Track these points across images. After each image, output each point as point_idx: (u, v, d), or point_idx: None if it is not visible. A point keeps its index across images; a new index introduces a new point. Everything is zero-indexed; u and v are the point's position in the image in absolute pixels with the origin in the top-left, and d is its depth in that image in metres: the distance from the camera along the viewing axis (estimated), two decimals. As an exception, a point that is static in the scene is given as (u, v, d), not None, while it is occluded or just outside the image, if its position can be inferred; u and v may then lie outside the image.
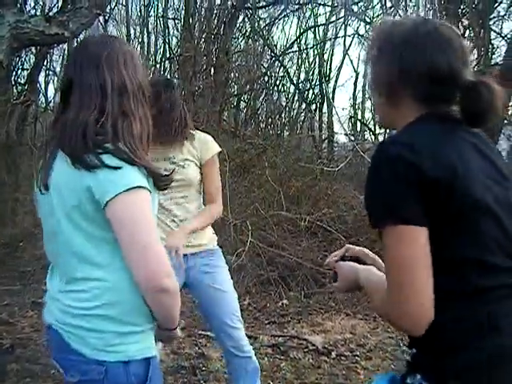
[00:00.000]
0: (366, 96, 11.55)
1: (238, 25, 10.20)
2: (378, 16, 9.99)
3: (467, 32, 8.43)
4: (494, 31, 8.81)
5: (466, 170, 1.45)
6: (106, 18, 10.60)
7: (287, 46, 11.38)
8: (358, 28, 10.94)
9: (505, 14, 9.30)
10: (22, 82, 9.84)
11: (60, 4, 5.90)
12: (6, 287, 5.58)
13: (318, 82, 11.35)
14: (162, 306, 1.79)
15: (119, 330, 1.80)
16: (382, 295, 1.53)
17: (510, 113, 7.75)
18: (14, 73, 9.64)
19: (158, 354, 2.05)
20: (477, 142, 1.56)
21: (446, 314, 1.45)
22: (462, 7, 8.72)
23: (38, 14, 8.13)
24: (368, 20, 9.98)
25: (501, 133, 7.57)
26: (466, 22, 8.79)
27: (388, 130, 10.76)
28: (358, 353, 4.86)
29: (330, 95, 11.11)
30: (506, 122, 8.23)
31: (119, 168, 1.68)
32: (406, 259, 1.41)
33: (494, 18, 9.01)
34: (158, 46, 10.58)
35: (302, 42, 11.46)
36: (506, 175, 1.56)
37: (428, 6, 9.75)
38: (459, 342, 1.46)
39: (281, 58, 10.83)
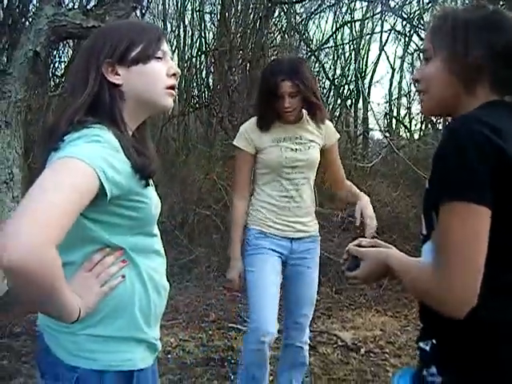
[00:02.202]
0: (402, 93, 11.48)
1: (274, 20, 10.16)
2: (415, 12, 9.90)
3: None
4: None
5: None
6: (143, 11, 10.65)
7: (323, 41, 11.34)
8: (394, 24, 10.83)
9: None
10: (60, 74, 9.95)
11: (98, -3, 5.95)
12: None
13: (353, 78, 11.30)
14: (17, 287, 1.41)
15: (96, 334, 1.65)
16: (418, 273, 1.51)
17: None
18: (52, 65, 9.75)
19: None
20: None
21: (492, 305, 1.44)
22: (501, 3, 8.61)
23: (75, 7, 8.21)
24: (405, 16, 9.88)
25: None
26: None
27: (424, 128, 10.70)
28: (387, 350, 4.84)
29: (366, 91, 11.05)
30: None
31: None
32: (467, 238, 1.39)
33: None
34: (194, 40, 10.61)
35: (338, 37, 11.41)
36: None
37: (466, 1, 9.63)
38: (499, 341, 1.44)
39: (316, 53, 10.79)
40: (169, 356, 4.46)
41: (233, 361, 4.53)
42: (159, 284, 1.77)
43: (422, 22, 9.20)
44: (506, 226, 1.42)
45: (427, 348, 1.53)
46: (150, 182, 1.72)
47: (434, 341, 1.52)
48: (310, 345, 4.77)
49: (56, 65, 10.07)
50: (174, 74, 1.78)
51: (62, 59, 10.19)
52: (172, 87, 1.77)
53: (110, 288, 1.64)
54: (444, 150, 1.44)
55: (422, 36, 8.08)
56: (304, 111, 3.38)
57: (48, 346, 1.69)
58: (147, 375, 1.75)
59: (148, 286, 1.72)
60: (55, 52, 9.53)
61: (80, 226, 1.51)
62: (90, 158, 1.46)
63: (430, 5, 9.30)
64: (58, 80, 9.79)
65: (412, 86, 11.18)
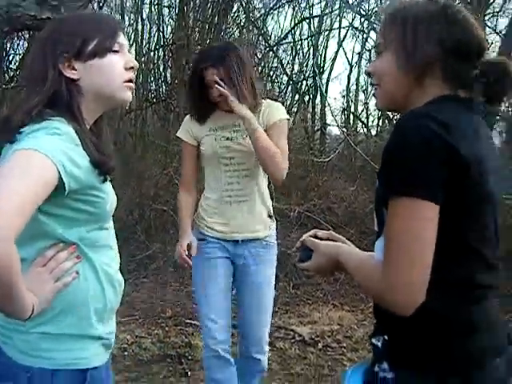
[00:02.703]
0: (360, 89, 11.54)
1: (232, 14, 10.14)
2: (373, 9, 9.96)
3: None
4: (489, 27, 8.81)
5: (486, 158, 1.44)
6: (101, 4, 10.51)
7: (281, 36, 11.33)
8: (352, 20, 10.88)
9: (500, 10, 9.31)
10: (14, 67, 9.78)
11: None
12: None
13: (311, 74, 11.31)
14: None
15: (49, 332, 1.62)
16: (369, 270, 1.51)
17: (502, 108, 7.76)
18: (6, 58, 9.57)
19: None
20: (487, 131, 1.55)
21: (442, 301, 1.44)
22: (457, 2, 8.71)
23: (30, -2, 8.06)
24: (363, 13, 9.95)
25: (493, 129, 7.57)
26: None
27: (381, 124, 10.80)
28: (344, 344, 4.88)
29: (324, 87, 11.08)
30: (498, 117, 8.24)
31: None
32: (413, 233, 1.38)
33: (489, 13, 9.01)
34: (152, 34, 10.51)
35: (297, 33, 11.41)
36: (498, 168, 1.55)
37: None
38: (451, 334, 1.45)
39: (275, 49, 10.78)
40: (125, 353, 4.41)
41: (190, 357, 4.51)
42: (114, 278, 1.75)
43: (379, 18, 9.26)
44: (457, 221, 1.42)
45: (379, 344, 1.54)
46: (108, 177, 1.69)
47: (385, 337, 1.52)
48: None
49: (10, 57, 9.89)
50: (132, 67, 1.75)
51: (17, 51, 10.01)
52: (130, 80, 1.75)
53: (64, 284, 1.61)
54: (391, 145, 1.44)
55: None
56: None
57: (0, 345, 1.65)
58: (101, 373, 1.73)
59: (102, 280, 1.69)
60: (9, 44, 9.36)
61: (34, 220, 1.46)
62: (50, 151, 1.44)
63: (387, 2, 9.37)
64: (12, 73, 9.62)
65: (369, 82, 11.27)
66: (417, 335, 1.47)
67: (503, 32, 8.53)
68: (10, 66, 9.81)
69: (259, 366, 3.36)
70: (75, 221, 1.62)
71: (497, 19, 9.42)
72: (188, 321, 5.25)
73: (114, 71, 1.71)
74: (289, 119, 3.33)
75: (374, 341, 1.56)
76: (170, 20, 10.48)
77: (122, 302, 1.82)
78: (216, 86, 3.06)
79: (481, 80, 1.53)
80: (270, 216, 3.27)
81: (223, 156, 3.18)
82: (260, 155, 3.03)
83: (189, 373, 4.26)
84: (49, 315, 1.60)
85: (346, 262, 1.63)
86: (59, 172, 1.45)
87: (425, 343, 1.46)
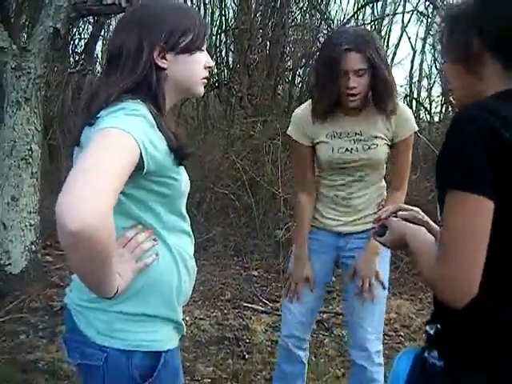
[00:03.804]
0: (423, 75, 11.37)
1: (295, -2, 10.10)
2: (439, -8, 9.76)
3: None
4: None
5: None
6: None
7: (344, 21, 11.21)
8: (417, 5, 10.71)
9: None
10: (79, 51, 9.96)
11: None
12: (59, 252, 5.69)
13: (374, 59, 11.18)
14: (72, 259, 1.42)
15: (127, 312, 1.66)
16: (428, 257, 1.50)
17: None
18: (72, 42, 9.75)
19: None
20: None
21: (498, 298, 1.43)
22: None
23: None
24: (428, -4, 9.76)
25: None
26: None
27: (445, 111, 10.61)
28: (401, 333, 4.85)
29: (387, 72, 10.93)
30: None
31: None
32: (466, 229, 1.38)
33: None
34: (215, 18, 10.54)
35: (360, 17, 11.29)
36: None
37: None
38: (503, 333, 1.44)
39: (338, 33, 10.68)
40: (183, 334, 4.47)
41: (248, 340, 4.56)
42: (189, 263, 1.80)
43: (444, 2, 9.08)
44: (508, 219, 1.40)
45: (432, 332, 1.54)
46: None
47: (438, 325, 1.53)
48: (324, 326, 4.80)
49: (76, 42, 10.07)
50: (210, 67, 1.85)
51: (82, 36, 10.19)
52: (206, 78, 1.85)
53: (144, 264, 1.66)
54: (447, 138, 1.43)
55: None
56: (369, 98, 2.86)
57: (76, 323, 1.70)
58: (174, 356, 1.78)
59: (179, 264, 1.74)
60: (75, 29, 9.53)
61: None
62: (133, 130, 1.49)
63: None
64: (77, 57, 9.80)
65: (433, 68, 11.09)
66: (468, 329, 1.47)
67: None
68: (76, 49, 9.99)
69: (368, 378, 3.06)
70: (151, 202, 1.67)
71: None
72: (246, 304, 5.29)
73: (198, 68, 1.81)
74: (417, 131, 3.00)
75: (427, 328, 1.57)
76: (232, 4, 10.50)
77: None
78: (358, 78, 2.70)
79: None
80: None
81: (339, 166, 2.91)
82: None
83: (246, 356, 4.30)
84: (129, 294, 1.64)
85: (412, 244, 1.66)
86: (141, 151, 1.50)
87: (476, 338, 1.45)
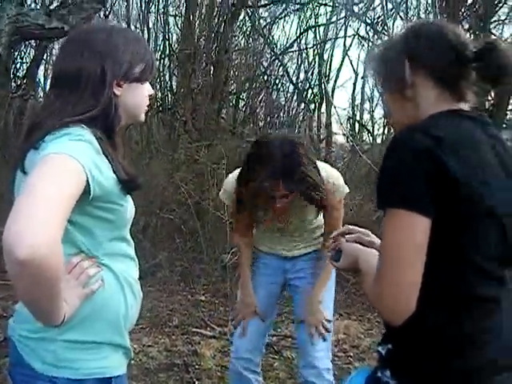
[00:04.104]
0: (365, 98, 11.57)
1: (238, 23, 10.17)
2: (378, 17, 9.98)
3: (467, 35, 8.43)
4: (494, 35, 8.80)
5: (484, 174, 1.44)
6: (107, 13, 10.55)
7: (287, 45, 11.37)
8: (358, 29, 10.94)
9: (505, 18, 9.30)
10: (21, 75, 9.82)
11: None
12: (1, 281, 5.55)
13: (317, 82, 11.35)
14: (20, 287, 1.38)
15: (74, 340, 1.61)
16: (371, 277, 1.51)
17: (507, 117, 7.76)
18: (14, 66, 9.61)
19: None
20: (496, 144, 1.54)
21: (442, 315, 1.45)
22: (462, 10, 8.71)
23: (38, 7, 8.11)
24: (369, 21, 9.97)
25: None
26: (466, 26, 8.80)
27: (387, 132, 10.80)
28: (351, 353, 4.86)
29: (329, 95, 11.10)
30: (504, 126, 8.23)
31: None
32: (401, 244, 1.40)
33: (495, 21, 9.01)
34: (158, 43, 10.55)
35: (303, 41, 11.46)
36: None
37: (429, 8, 9.74)
38: (454, 348, 1.45)
39: (280, 57, 10.80)
40: (132, 362, 4.40)
41: (197, 366, 4.51)
42: (135, 288, 1.77)
43: (385, 27, 9.27)
44: (451, 235, 1.43)
45: (383, 352, 1.55)
46: None
47: (389, 345, 1.54)
48: (274, 349, 4.79)
49: (18, 66, 9.93)
50: (151, 95, 1.87)
51: (24, 60, 10.06)
52: (148, 105, 1.88)
53: (91, 291, 1.62)
54: (385, 161, 1.47)
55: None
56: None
57: (21, 356, 1.64)
58: (123, 382, 1.74)
59: (125, 289, 1.71)
60: (17, 53, 9.41)
61: None
62: (78, 155, 1.46)
63: (393, 11, 9.40)
64: (19, 81, 9.66)
65: (375, 90, 11.29)
66: (417, 347, 1.48)
67: (509, 40, 8.53)
68: (17, 73, 9.85)
69: None
70: (96, 229, 1.63)
71: (502, 27, 9.43)
72: (195, 329, 5.25)
73: (145, 96, 1.83)
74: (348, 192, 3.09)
75: (379, 348, 1.58)
76: (176, 29, 10.53)
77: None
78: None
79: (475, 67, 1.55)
80: None
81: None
82: None
83: (196, 382, 4.25)
84: (75, 321, 1.60)
85: (361, 265, 1.69)
86: (87, 177, 1.47)
87: (424, 356, 1.47)
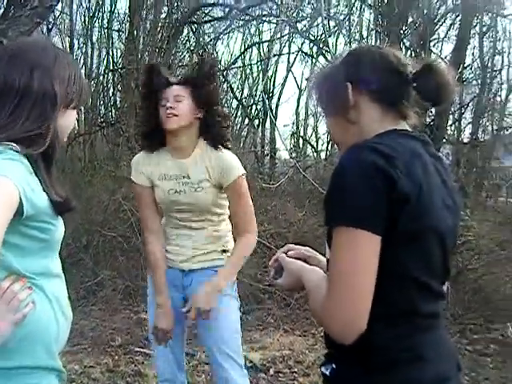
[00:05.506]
0: (309, 113, 11.68)
1: (182, 39, 10.19)
2: (321, 34, 10.11)
3: (408, 53, 8.60)
4: (434, 53, 9.01)
5: (429, 191, 1.45)
6: (50, 27, 10.43)
7: (231, 61, 11.42)
8: (301, 45, 11.08)
9: (445, 36, 9.55)
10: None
11: (0, 11, 5.76)
12: None
13: (261, 98, 11.41)
14: None
15: (7, 367, 1.57)
16: (317, 294, 1.51)
17: (448, 132, 7.93)
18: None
19: None
20: (437, 164, 1.56)
21: (386, 331, 1.45)
22: (403, 29, 8.89)
23: (-24, 21, 7.95)
24: (312, 38, 10.09)
25: (439, 152, 7.73)
26: (407, 43, 8.98)
27: (330, 148, 10.90)
28: (296, 369, 4.85)
29: (273, 111, 11.17)
30: (444, 141, 8.41)
31: None
32: (353, 262, 1.39)
33: (435, 39, 9.23)
34: (102, 58, 10.47)
35: (247, 57, 11.54)
36: (455, 200, 1.57)
37: (371, 26, 9.92)
38: (398, 363, 1.46)
39: (225, 73, 10.84)
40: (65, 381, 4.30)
41: (140, 386, 4.44)
42: (65, 308, 1.73)
43: (328, 44, 9.39)
44: (397, 252, 1.43)
45: (327, 373, 1.54)
46: None
47: (333, 365, 1.53)
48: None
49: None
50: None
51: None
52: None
53: (23, 315, 1.57)
54: (336, 178, 1.45)
55: (329, 57, 8.27)
56: (200, 139, 2.88)
57: None
58: None
59: (56, 310, 1.68)
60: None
61: None
62: (11, 174, 1.44)
63: (335, 28, 9.53)
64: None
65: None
66: (361, 366, 1.47)
67: (448, 58, 8.74)
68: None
69: None
70: (26, 249, 1.59)
71: (442, 45, 9.66)
72: (138, 349, 5.16)
73: (73, 122, 1.83)
74: (244, 173, 2.92)
75: (323, 369, 1.56)
76: (120, 44, 10.47)
77: (70, 330, 1.80)
78: None
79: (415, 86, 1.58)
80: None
81: (174, 208, 2.91)
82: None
83: (138, 402, 4.19)
84: (8, 347, 1.55)
85: (306, 284, 1.66)
86: (20, 196, 1.44)
87: (369, 374, 1.46)
